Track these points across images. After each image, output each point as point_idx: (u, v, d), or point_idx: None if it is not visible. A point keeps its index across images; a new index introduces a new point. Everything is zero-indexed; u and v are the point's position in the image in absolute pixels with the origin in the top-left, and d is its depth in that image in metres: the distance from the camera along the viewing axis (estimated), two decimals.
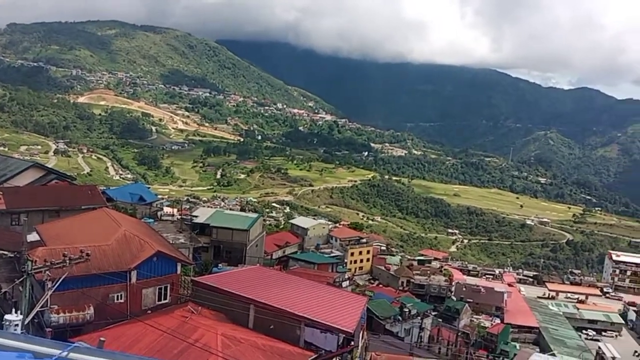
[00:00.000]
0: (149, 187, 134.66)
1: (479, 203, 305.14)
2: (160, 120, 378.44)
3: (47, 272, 25.64)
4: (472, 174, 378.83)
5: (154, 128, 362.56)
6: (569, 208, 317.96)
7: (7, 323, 21.89)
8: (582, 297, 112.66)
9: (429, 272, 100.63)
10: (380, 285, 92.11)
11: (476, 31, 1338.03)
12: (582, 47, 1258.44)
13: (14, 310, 25.08)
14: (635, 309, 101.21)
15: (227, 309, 33.35)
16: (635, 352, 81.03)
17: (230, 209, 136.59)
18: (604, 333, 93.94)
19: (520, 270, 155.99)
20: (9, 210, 49.15)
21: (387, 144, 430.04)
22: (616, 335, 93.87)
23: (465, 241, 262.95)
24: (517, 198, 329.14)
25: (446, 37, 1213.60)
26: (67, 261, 25.19)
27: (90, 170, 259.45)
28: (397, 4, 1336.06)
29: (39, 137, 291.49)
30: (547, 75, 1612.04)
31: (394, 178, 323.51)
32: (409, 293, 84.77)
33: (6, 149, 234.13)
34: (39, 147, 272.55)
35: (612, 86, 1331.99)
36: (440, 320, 74.43)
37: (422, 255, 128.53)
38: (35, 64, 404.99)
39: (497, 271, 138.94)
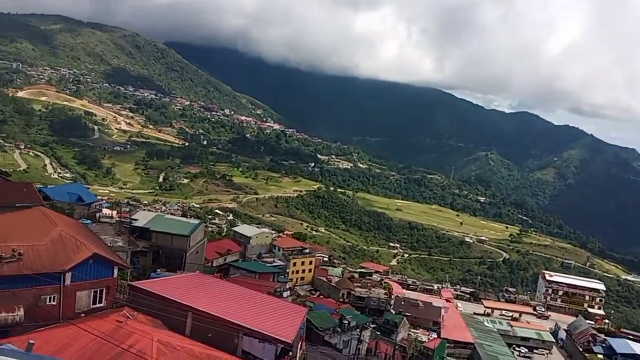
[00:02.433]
0: (88, 188, 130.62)
1: (420, 219, 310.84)
2: (103, 120, 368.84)
3: None
4: (414, 190, 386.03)
5: (96, 127, 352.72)
6: (507, 228, 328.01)
7: None
8: (517, 315, 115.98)
9: (369, 285, 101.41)
10: (322, 297, 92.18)
11: (421, 50, 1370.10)
12: (522, 72, 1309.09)
13: None
14: (566, 328, 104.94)
15: (164, 316, 32.65)
16: None
17: (172, 214, 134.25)
18: (535, 351, 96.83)
19: (458, 287, 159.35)
20: None
21: (333, 156, 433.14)
22: (547, 354, 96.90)
23: (406, 255, 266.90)
24: (458, 215, 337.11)
25: (392, 55, 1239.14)
26: None
27: (27, 168, 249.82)
28: (345, 19, 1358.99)
29: None
30: (489, 97, 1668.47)
31: (339, 190, 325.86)
32: (349, 305, 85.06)
33: None
34: None
35: (550, 112, 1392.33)
36: (379, 333, 75.03)
37: (364, 268, 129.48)
38: None
39: (435, 286, 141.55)
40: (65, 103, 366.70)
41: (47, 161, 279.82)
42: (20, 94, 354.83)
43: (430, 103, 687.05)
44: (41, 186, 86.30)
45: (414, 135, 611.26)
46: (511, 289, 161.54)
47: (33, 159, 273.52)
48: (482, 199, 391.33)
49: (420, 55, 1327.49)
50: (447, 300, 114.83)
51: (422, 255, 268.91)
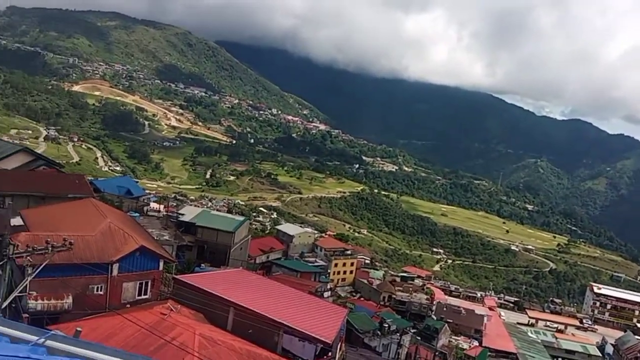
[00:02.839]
0: (137, 181, 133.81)
1: (465, 224, 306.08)
2: (153, 115, 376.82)
3: (28, 257, 25.24)
4: (460, 195, 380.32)
5: (146, 123, 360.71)
6: (554, 237, 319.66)
7: None
8: (562, 327, 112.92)
9: (411, 289, 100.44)
10: (362, 299, 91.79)
11: (472, 54, 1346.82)
12: (576, 78, 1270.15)
13: None
14: (613, 342, 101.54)
15: (206, 310, 33.03)
16: None
17: (217, 210, 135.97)
18: None
19: (502, 295, 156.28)
20: None
21: (378, 158, 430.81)
22: None
23: (449, 261, 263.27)
24: (504, 223, 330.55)
25: (442, 58, 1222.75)
26: (50, 248, 24.81)
27: (80, 160, 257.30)
28: (395, 21, 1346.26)
29: (30, 122, 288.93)
30: (541, 103, 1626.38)
31: (383, 193, 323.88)
32: (389, 309, 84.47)
33: None
34: (30, 131, 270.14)
35: (604, 120, 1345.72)
36: (419, 338, 74.16)
37: (406, 272, 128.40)
38: (32, 48, 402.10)
39: (478, 294, 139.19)
40: (118, 98, 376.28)
41: (99, 154, 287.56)
42: (75, 88, 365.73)
43: (480, 107, 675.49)
44: (92, 178, 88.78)
45: (461, 140, 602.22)
46: (557, 300, 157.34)
47: (85, 151, 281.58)
48: (530, 207, 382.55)
49: (470, 58, 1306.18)
50: (490, 308, 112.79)
51: (466, 262, 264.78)
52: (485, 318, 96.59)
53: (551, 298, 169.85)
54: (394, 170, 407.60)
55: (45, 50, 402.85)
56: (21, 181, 52.24)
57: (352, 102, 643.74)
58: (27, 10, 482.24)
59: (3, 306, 23.69)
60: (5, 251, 24.63)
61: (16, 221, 39.75)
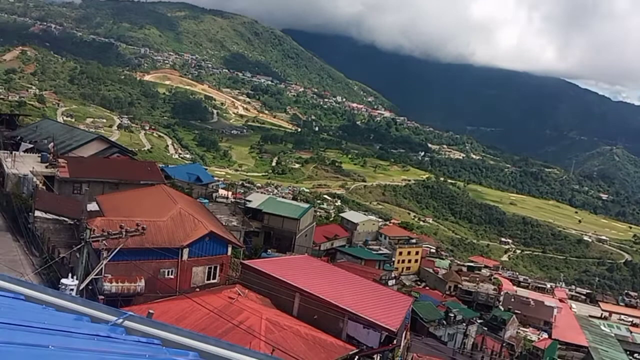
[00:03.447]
0: (206, 169, 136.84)
1: (535, 214, 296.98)
2: (221, 104, 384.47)
3: (103, 241, 26.40)
4: (530, 184, 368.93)
5: (215, 111, 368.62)
6: (630, 228, 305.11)
7: (63, 287, 22.69)
8: (637, 321, 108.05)
9: (477, 279, 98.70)
10: (427, 288, 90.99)
11: (543, 38, 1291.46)
12: None
13: (70, 275, 25.97)
14: None
15: (273, 295, 33.59)
16: None
17: (283, 197, 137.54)
18: None
19: (573, 287, 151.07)
20: (72, 179, 51.01)
21: (444, 146, 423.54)
22: None
23: (518, 251, 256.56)
24: (576, 212, 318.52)
25: (511, 42, 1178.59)
26: (124, 233, 25.85)
27: (151, 147, 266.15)
28: (462, 4, 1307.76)
29: (105, 111, 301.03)
30: (616, 88, 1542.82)
31: (449, 181, 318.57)
32: (455, 298, 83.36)
33: (73, 120, 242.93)
34: (104, 120, 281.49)
35: None
36: (486, 328, 72.88)
37: (472, 261, 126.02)
38: (106, 39, 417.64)
39: (548, 285, 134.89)
40: (187, 87, 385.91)
41: (169, 142, 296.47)
42: (147, 78, 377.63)
43: (551, 93, 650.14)
44: (163, 165, 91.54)
45: (532, 126, 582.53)
46: (632, 293, 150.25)
47: (156, 139, 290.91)
48: (604, 196, 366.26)
49: (541, 42, 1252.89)
50: (560, 300, 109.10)
51: (535, 252, 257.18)
52: (555, 310, 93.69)
53: (626, 291, 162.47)
54: (461, 158, 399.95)
55: (119, 41, 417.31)
56: (97, 168, 54.55)
57: (417, 88, 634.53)
58: (102, 2, 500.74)
59: (81, 288, 24.92)
60: (83, 235, 25.86)
61: (92, 207, 41.57)
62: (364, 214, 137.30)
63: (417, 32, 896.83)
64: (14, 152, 54.10)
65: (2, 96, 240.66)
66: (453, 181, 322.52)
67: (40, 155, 54.89)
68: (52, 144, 57.65)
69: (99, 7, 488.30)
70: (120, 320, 5.06)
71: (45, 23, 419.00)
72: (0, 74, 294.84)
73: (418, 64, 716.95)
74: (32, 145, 59.08)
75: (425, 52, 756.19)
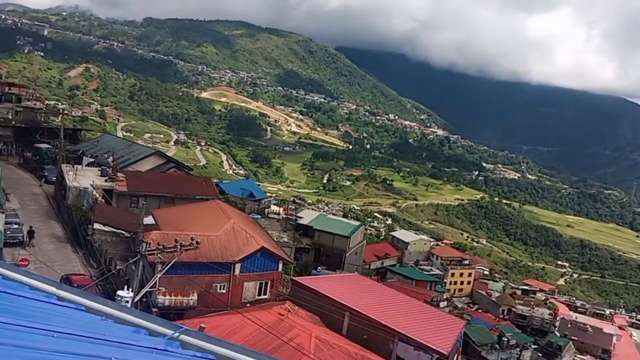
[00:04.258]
0: (259, 184, 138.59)
1: (593, 237, 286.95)
2: (275, 121, 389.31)
3: (159, 255, 26.98)
4: (589, 206, 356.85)
5: (268, 128, 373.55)
6: None
7: (119, 298, 23.29)
8: None
9: (532, 303, 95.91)
10: (480, 311, 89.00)
11: (601, 55, 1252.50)
12: None
13: (125, 287, 26.63)
14: None
15: (323, 312, 33.48)
16: None
17: (333, 214, 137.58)
18: None
19: (634, 314, 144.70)
20: (130, 192, 52.49)
21: (499, 165, 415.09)
22: None
23: (575, 275, 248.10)
24: (638, 236, 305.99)
25: (568, 60, 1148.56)
26: (179, 247, 26.36)
27: (206, 163, 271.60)
28: (519, 21, 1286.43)
29: (162, 126, 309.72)
30: None
31: (504, 201, 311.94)
32: (509, 322, 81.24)
33: (132, 135, 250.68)
34: (162, 136, 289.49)
35: None
36: (541, 354, 70.59)
37: (527, 284, 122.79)
38: (165, 57, 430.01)
39: (607, 311, 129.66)
40: (242, 104, 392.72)
41: (224, 157, 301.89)
42: (204, 95, 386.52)
43: (611, 112, 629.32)
44: (217, 181, 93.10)
45: (590, 146, 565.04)
46: None
47: (212, 155, 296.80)
48: None
49: (600, 60, 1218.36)
50: (620, 327, 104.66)
51: (594, 277, 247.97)
52: (614, 337, 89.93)
53: None
54: (516, 177, 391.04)
55: (177, 58, 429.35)
56: (154, 182, 55.99)
57: (471, 106, 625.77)
58: (162, 21, 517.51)
59: (135, 300, 25.51)
60: (139, 248, 26.50)
61: (148, 220, 42.59)
62: (416, 233, 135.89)
63: (471, 49, 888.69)
64: (76, 166, 56.14)
65: (66, 111, 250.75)
66: (508, 201, 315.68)
67: (100, 169, 56.75)
68: (111, 158, 59.57)
69: (159, 25, 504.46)
70: (177, 334, 5.15)
71: (108, 41, 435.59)
72: (65, 90, 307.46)
73: (472, 81, 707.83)
74: (93, 159, 61.13)
75: (479, 69, 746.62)
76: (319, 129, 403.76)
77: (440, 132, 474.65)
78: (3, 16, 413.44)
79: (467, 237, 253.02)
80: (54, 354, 3.71)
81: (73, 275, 37.99)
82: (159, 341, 4.91)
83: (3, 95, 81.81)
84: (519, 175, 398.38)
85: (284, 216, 69.60)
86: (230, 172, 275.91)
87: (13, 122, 75.83)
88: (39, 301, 5.56)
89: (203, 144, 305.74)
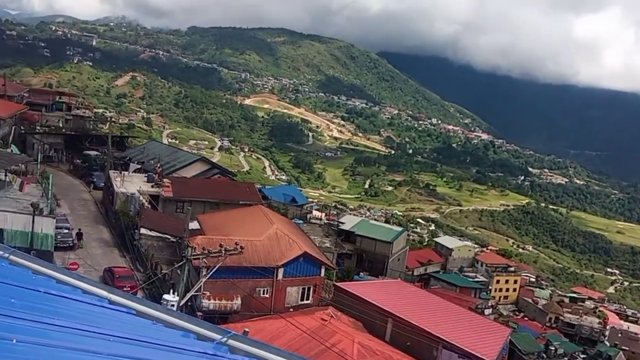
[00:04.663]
0: (301, 190, 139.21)
1: None
2: (317, 127, 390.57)
3: (204, 259, 27.40)
4: None
5: (310, 134, 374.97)
6: None
7: (165, 302, 23.71)
8: None
9: (581, 311, 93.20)
10: (526, 319, 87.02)
11: None
12: None
13: (171, 291, 27.09)
14: None
15: (365, 318, 33.34)
16: None
17: (375, 220, 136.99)
18: None
19: None
20: (176, 198, 53.47)
21: (546, 170, 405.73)
22: None
23: (626, 283, 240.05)
24: None
25: (617, 61, 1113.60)
26: (223, 251, 26.70)
27: (250, 169, 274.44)
28: (565, 22, 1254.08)
29: (207, 133, 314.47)
30: None
31: (550, 206, 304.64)
32: (556, 331, 79.18)
33: (177, 142, 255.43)
34: (206, 142, 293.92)
35: None
36: None
37: (575, 292, 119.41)
38: (209, 65, 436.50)
39: None
40: (285, 110, 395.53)
41: (267, 163, 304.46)
42: (247, 102, 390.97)
43: None
44: (260, 186, 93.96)
45: None
46: None
47: (255, 161, 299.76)
48: None
49: None
50: None
51: None
52: None
53: None
54: (563, 182, 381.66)
55: (221, 66, 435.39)
56: (199, 188, 56.90)
57: (517, 110, 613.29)
58: (206, 29, 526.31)
59: (181, 304, 25.93)
60: (184, 253, 26.96)
61: (193, 225, 43.29)
62: (459, 239, 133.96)
63: (515, 52, 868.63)
64: (123, 172, 57.51)
65: (113, 119, 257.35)
66: (555, 207, 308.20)
67: (146, 175, 57.96)
68: (158, 164, 60.79)
69: (204, 34, 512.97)
70: (225, 338, 5.19)
71: (153, 50, 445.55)
72: (112, 98, 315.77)
73: (516, 84, 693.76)
74: (139, 166, 62.47)
75: (524, 72, 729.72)
76: (360, 134, 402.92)
77: (484, 136, 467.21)
78: (54, 28, 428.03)
79: (513, 243, 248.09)
80: (112, 358, 3.75)
81: (115, 268, 40.28)
82: (207, 346, 4.97)
83: (54, 104, 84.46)
84: (567, 180, 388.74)
85: (326, 221, 69.67)
86: (273, 177, 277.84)
87: (63, 130, 78.17)
88: (92, 305, 5.71)
89: (246, 150, 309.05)
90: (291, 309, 36.05)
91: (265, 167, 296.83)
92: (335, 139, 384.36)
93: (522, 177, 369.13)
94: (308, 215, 70.60)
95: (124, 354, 3.86)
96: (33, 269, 6.55)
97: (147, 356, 4.04)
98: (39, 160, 50.11)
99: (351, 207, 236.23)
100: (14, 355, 3.13)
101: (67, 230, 44.15)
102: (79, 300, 5.74)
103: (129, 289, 38.74)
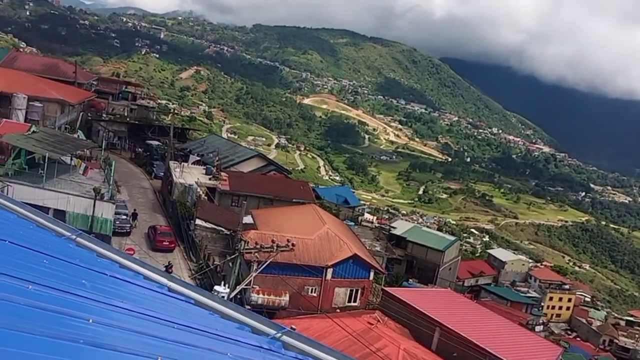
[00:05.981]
0: (354, 192, 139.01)
1: None
2: (374, 129, 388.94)
3: (256, 254, 27.76)
4: None
5: (367, 136, 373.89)
6: None
7: (216, 293, 24.12)
8: None
9: (637, 335, 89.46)
10: (578, 339, 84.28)
11: None
12: None
13: (222, 282, 27.56)
14: None
15: (412, 326, 33.03)
16: None
17: (428, 227, 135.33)
18: None
19: None
20: (232, 192, 54.36)
21: (609, 187, 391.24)
22: None
23: None
24: None
25: None
26: (275, 247, 26.99)
27: (304, 167, 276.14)
28: (637, 36, 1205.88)
29: (265, 130, 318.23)
30: None
31: (611, 225, 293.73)
32: (610, 354, 76.37)
33: (236, 137, 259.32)
34: (263, 139, 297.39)
35: None
36: None
37: (633, 316, 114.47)
38: (271, 63, 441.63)
39: None
40: (342, 112, 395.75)
41: (321, 163, 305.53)
42: (306, 101, 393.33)
43: None
44: (314, 185, 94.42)
45: None
46: None
47: (310, 160, 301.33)
48: None
49: None
50: None
51: None
52: None
53: None
54: (626, 201, 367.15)
55: (283, 64, 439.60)
56: (254, 183, 57.68)
57: (581, 124, 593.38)
58: (270, 27, 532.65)
59: (231, 296, 26.35)
60: (237, 246, 27.40)
61: (247, 219, 43.91)
62: (514, 253, 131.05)
63: (583, 64, 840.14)
64: (182, 163, 58.89)
65: (176, 111, 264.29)
66: (616, 226, 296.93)
67: (205, 167, 59.15)
68: (216, 158, 61.95)
69: (267, 32, 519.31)
70: (279, 334, 5.27)
71: (218, 45, 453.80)
72: (176, 90, 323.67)
73: (582, 97, 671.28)
74: (199, 158, 63.80)
75: (591, 86, 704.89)
76: (417, 139, 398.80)
77: (546, 149, 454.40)
78: (125, 19, 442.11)
79: (569, 260, 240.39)
80: (177, 344, 3.80)
81: (158, 226, 45.13)
82: (262, 340, 5.05)
83: (120, 93, 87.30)
84: (630, 199, 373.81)
85: (377, 225, 69.37)
86: (327, 177, 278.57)
87: (128, 119, 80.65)
88: (153, 291, 5.90)
89: (302, 148, 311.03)
90: (338, 310, 36.09)
91: (319, 167, 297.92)
92: (392, 142, 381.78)
93: (583, 194, 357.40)
94: (359, 218, 70.43)
95: (185, 341, 3.94)
96: (97, 252, 6.84)
97: (211, 346, 4.11)
98: (103, 147, 51.76)
99: (403, 212, 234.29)
100: (90, 335, 3.24)
101: (125, 217, 45.50)
102: (141, 286, 5.95)
103: (167, 243, 43.17)
